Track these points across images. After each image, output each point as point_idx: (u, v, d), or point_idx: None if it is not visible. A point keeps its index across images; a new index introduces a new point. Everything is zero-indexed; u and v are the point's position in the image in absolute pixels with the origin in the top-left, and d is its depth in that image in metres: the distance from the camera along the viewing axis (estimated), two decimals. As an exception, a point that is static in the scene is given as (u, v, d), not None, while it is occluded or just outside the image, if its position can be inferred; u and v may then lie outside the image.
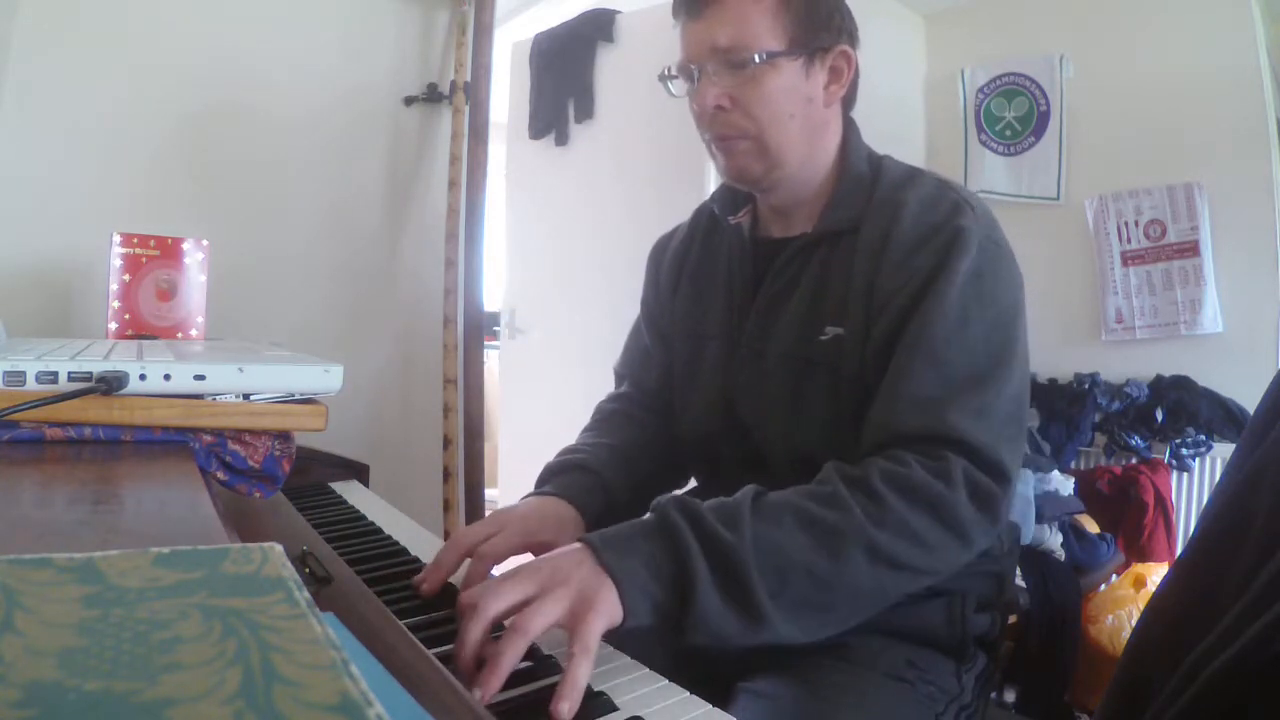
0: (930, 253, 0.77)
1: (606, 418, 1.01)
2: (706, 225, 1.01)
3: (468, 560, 0.74)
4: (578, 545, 0.64)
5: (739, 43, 0.80)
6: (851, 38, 0.86)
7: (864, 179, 0.86)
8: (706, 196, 1.03)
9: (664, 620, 0.63)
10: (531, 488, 0.89)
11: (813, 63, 0.83)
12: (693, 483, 1.04)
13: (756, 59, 0.79)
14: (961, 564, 0.72)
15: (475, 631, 0.57)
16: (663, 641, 0.66)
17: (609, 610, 0.60)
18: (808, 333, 0.83)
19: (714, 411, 0.92)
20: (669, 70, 0.87)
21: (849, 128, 0.90)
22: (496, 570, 0.74)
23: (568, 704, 0.53)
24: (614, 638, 0.63)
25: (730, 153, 0.84)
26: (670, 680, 0.59)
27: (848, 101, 0.89)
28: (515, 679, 0.57)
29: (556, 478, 0.87)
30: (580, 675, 0.54)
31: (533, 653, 0.60)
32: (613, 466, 0.89)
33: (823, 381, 0.82)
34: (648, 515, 0.68)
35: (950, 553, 0.69)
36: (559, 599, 0.59)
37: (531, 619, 0.57)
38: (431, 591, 0.71)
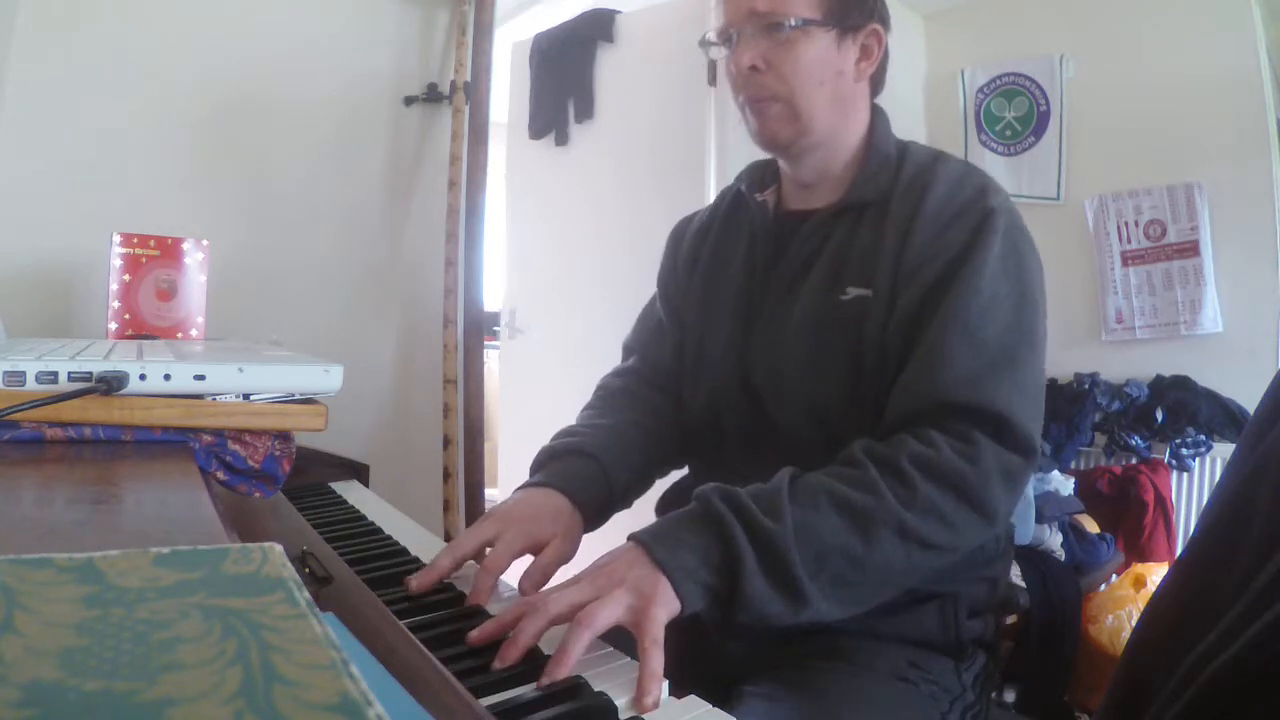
0: (962, 230, 0.80)
1: (610, 395, 1.01)
2: (730, 205, 1.02)
3: (468, 563, 0.75)
4: (630, 545, 0.68)
5: (776, 8, 0.83)
6: (884, 20, 0.89)
7: (890, 158, 0.89)
8: (707, 195, 1.03)
9: (715, 602, 0.67)
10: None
11: (845, 37, 0.86)
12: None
13: (791, 23, 0.83)
14: (985, 539, 0.75)
15: (534, 627, 0.60)
16: (712, 622, 0.68)
17: (667, 604, 0.63)
18: (829, 294, 0.85)
19: (725, 384, 0.92)
20: (709, 36, 0.90)
21: (876, 113, 0.93)
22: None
23: (651, 697, 0.56)
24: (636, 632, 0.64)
25: (762, 115, 0.87)
26: (670, 681, 0.59)
27: (876, 82, 0.92)
28: (515, 680, 0.57)
29: (553, 463, 0.87)
30: (656, 666, 0.58)
31: (532, 655, 0.60)
32: (611, 449, 0.89)
33: (843, 341, 0.83)
34: (690, 505, 0.71)
35: (974, 529, 0.72)
36: (619, 599, 0.62)
37: (596, 614, 0.60)
38: (420, 590, 0.71)
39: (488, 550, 0.75)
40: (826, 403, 0.83)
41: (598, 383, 1.05)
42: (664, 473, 1.00)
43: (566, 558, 0.79)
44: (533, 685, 0.57)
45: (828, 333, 0.84)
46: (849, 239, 0.86)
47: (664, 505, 0.99)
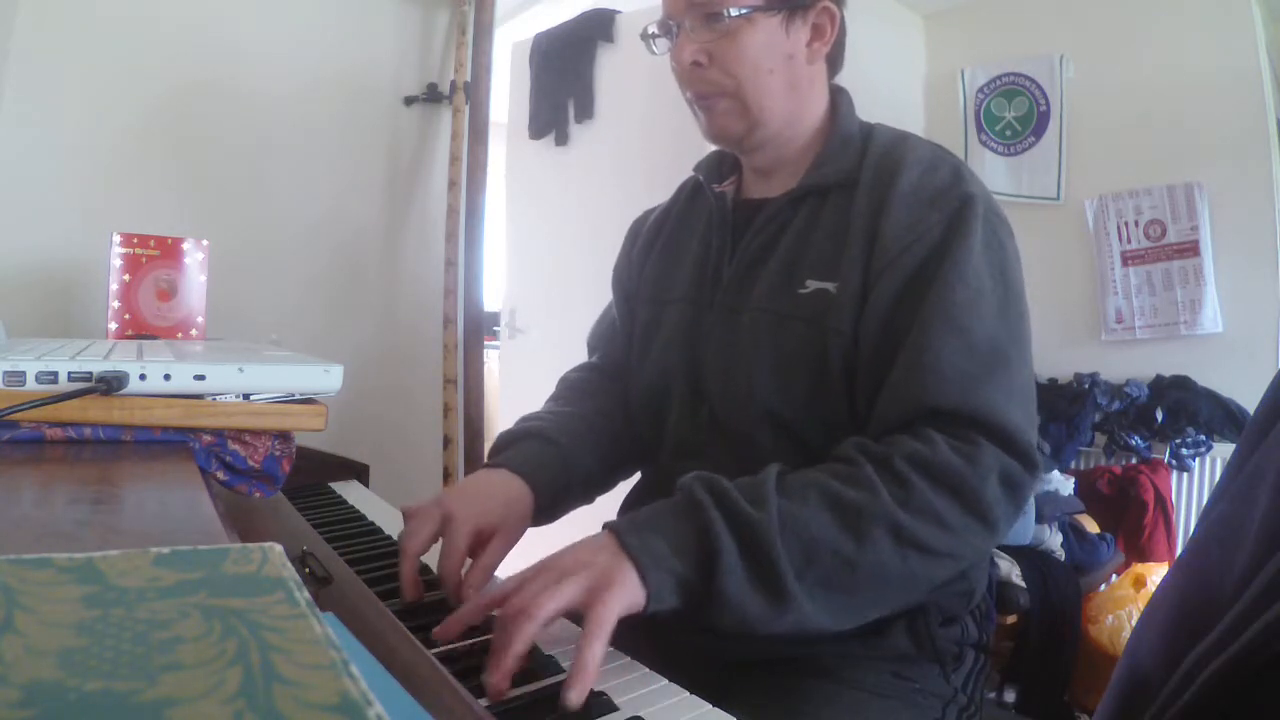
0: (940, 216, 0.75)
1: (570, 386, 0.98)
2: (689, 194, 0.98)
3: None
4: (601, 532, 0.63)
5: None
6: None
7: (854, 139, 0.84)
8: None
9: (690, 599, 0.62)
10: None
11: (793, 19, 0.80)
12: None
13: (732, 13, 0.77)
14: (987, 550, 0.70)
15: (520, 636, 0.56)
16: (691, 623, 0.63)
17: (628, 592, 0.58)
18: (787, 287, 0.80)
19: (669, 379, 0.88)
20: (649, 29, 0.85)
21: (838, 93, 0.88)
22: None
23: (575, 691, 0.51)
24: (632, 621, 0.60)
25: (711, 111, 0.82)
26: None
27: (833, 61, 0.87)
28: (515, 679, 0.57)
29: (511, 447, 0.83)
30: (590, 658, 0.53)
31: (533, 653, 0.60)
32: (573, 434, 0.86)
33: (804, 337, 0.77)
34: (674, 496, 0.66)
35: (974, 536, 0.67)
36: (574, 583, 0.58)
37: (544, 602, 0.56)
38: (418, 600, 0.70)
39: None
40: (787, 408, 0.78)
41: (559, 377, 1.02)
42: (633, 468, 0.96)
43: (508, 549, 0.75)
44: (533, 685, 0.57)
45: (785, 329, 0.78)
46: (809, 226, 0.81)
47: (625, 512, 0.92)
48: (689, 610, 0.62)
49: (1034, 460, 0.69)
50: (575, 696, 0.51)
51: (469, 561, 0.73)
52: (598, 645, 0.54)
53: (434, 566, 0.74)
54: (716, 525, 0.62)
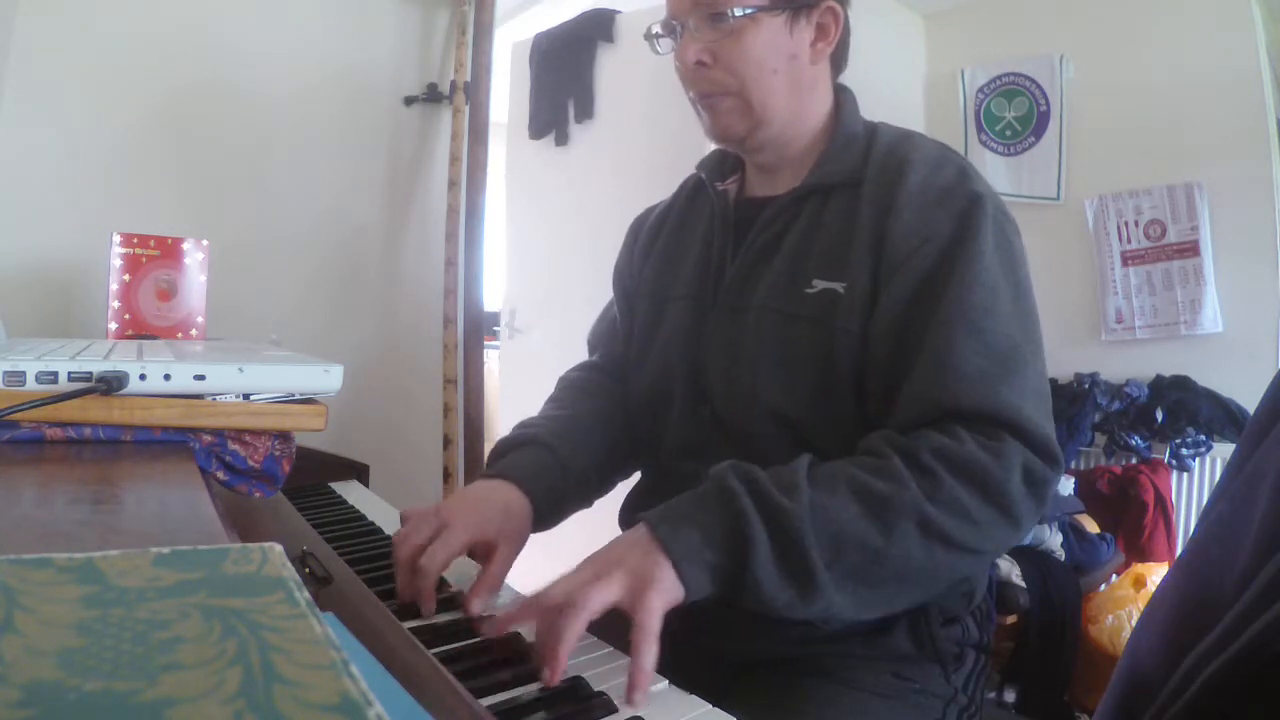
0: (950, 215, 0.75)
1: (569, 386, 0.98)
2: (691, 192, 0.98)
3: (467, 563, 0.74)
4: (638, 525, 0.65)
5: None
6: None
7: (858, 138, 0.84)
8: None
9: (724, 586, 0.63)
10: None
11: (797, 18, 0.80)
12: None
13: (736, 13, 0.78)
14: (1009, 546, 0.71)
15: (568, 632, 0.57)
16: (722, 605, 0.65)
17: (667, 588, 0.60)
18: (793, 286, 0.80)
19: (670, 377, 0.88)
20: (654, 29, 0.85)
21: (843, 93, 0.88)
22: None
23: (639, 693, 0.54)
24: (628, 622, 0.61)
25: (714, 111, 0.83)
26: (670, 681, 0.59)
27: (837, 61, 0.87)
28: (516, 680, 0.57)
29: (507, 455, 0.84)
30: (647, 660, 0.56)
31: (531, 653, 0.60)
32: (569, 438, 0.86)
33: (810, 337, 0.77)
34: (705, 483, 0.67)
35: (998, 531, 0.68)
36: (616, 579, 0.60)
37: (590, 595, 0.58)
38: (414, 599, 0.70)
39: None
40: (792, 408, 0.78)
41: (559, 377, 1.02)
42: (631, 468, 0.96)
43: (514, 556, 0.76)
44: (533, 685, 0.57)
45: (791, 329, 0.78)
46: (813, 225, 0.81)
47: (626, 512, 0.94)
48: (726, 593, 0.64)
49: (1055, 456, 0.70)
50: (640, 699, 0.54)
51: (471, 570, 0.73)
52: (650, 648, 0.56)
53: (445, 577, 0.73)
54: (749, 513, 0.63)
